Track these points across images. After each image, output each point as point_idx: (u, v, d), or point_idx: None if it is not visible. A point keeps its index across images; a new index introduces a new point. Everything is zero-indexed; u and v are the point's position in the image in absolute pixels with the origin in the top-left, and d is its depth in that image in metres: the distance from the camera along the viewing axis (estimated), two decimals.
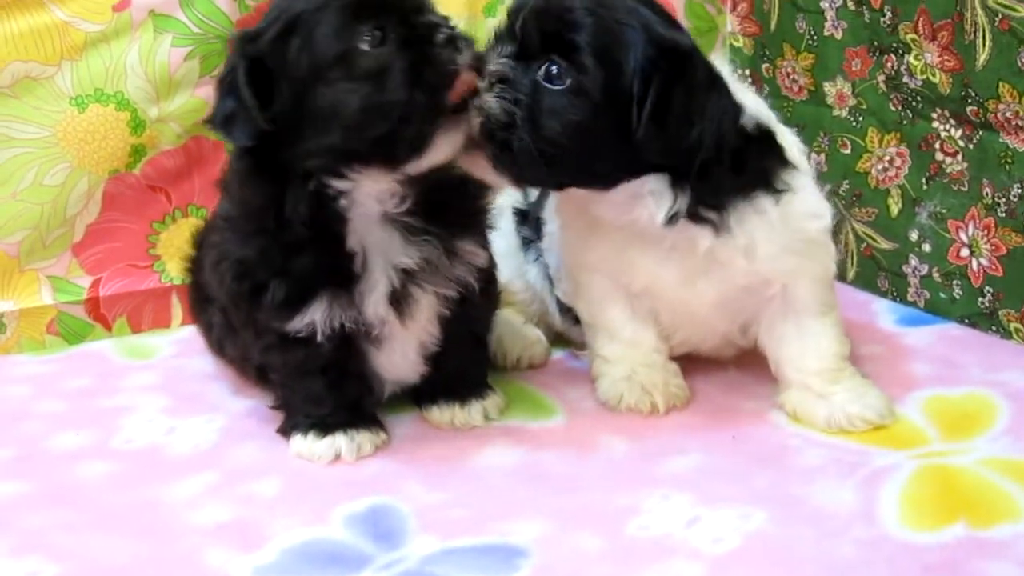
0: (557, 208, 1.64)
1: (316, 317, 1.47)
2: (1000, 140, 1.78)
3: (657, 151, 1.39)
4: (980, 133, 1.81)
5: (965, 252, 1.88)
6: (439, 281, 1.52)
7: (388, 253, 1.48)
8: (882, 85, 1.96)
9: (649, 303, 1.61)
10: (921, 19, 1.85)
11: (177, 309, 2.05)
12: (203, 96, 1.95)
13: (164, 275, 2.05)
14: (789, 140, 1.57)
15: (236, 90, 1.38)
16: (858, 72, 2.00)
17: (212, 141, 2.01)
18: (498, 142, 1.40)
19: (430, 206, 1.48)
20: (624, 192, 1.45)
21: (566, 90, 1.39)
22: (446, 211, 1.50)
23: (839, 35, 2.03)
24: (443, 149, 1.40)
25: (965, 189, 1.86)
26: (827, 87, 2.07)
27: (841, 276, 2.03)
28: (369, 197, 1.44)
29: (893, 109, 1.95)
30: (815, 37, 2.08)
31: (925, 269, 1.95)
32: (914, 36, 1.87)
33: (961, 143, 1.85)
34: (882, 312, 1.97)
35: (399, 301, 1.50)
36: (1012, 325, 1.82)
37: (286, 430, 1.59)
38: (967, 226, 1.86)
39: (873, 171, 2.02)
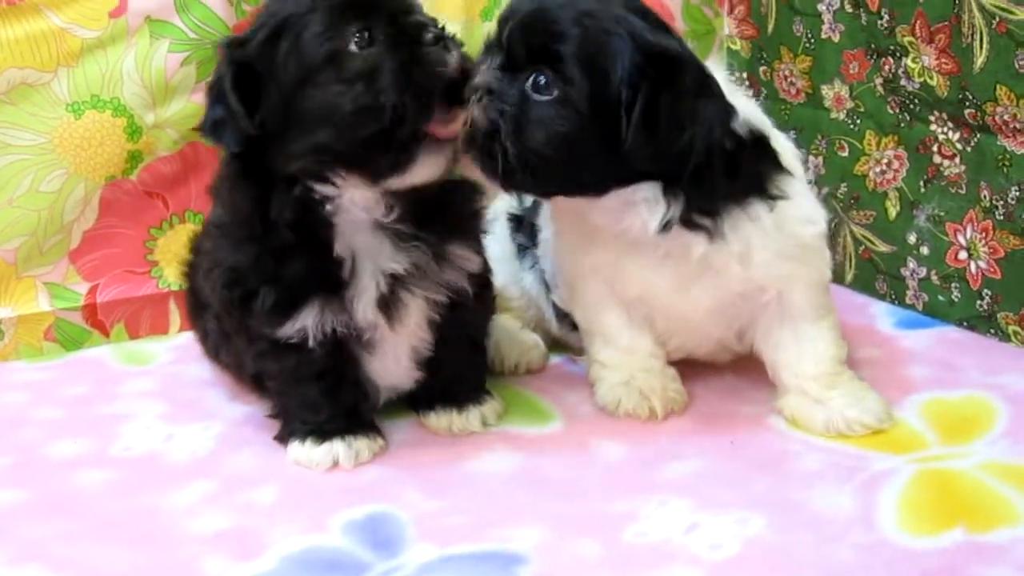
0: (552, 215, 1.64)
1: (307, 323, 1.47)
2: (998, 143, 1.78)
3: (647, 157, 1.39)
4: (978, 136, 1.81)
5: (963, 255, 1.88)
6: (429, 286, 1.52)
7: (377, 258, 1.48)
8: (880, 88, 1.96)
9: (645, 309, 1.61)
10: (918, 22, 1.85)
11: (175, 315, 2.05)
12: (200, 102, 1.91)
13: (161, 281, 2.05)
14: (783, 145, 1.57)
15: (223, 96, 1.38)
16: (856, 75, 2.00)
17: (208, 147, 1.99)
18: (484, 152, 1.39)
19: (421, 211, 1.48)
20: (617, 200, 1.44)
21: (553, 101, 1.39)
22: (437, 216, 1.50)
23: (836, 38, 2.02)
24: (426, 170, 1.41)
25: (963, 192, 1.85)
26: (825, 90, 2.07)
27: (839, 279, 2.04)
28: (355, 205, 1.44)
29: (891, 112, 1.95)
30: (812, 40, 2.08)
31: (923, 272, 1.95)
32: (911, 39, 1.87)
33: (959, 146, 1.85)
34: (880, 315, 1.97)
35: (388, 306, 1.50)
36: (1010, 328, 1.81)
37: (283, 437, 1.58)
38: (965, 229, 1.86)
39: (871, 174, 2.02)
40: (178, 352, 1.96)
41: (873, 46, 1.95)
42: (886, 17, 1.91)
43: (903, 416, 1.58)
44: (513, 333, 1.82)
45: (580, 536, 1.34)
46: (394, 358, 1.57)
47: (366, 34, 1.37)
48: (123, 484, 1.52)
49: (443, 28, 1.43)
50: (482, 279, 1.62)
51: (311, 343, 1.49)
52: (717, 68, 1.51)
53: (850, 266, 2.09)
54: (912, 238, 1.96)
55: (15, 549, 1.39)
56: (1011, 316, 1.81)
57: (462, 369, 1.64)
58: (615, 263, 1.54)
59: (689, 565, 1.28)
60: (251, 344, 1.54)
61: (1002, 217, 1.79)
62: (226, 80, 1.38)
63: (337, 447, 1.53)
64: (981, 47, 1.75)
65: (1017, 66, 1.70)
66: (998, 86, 1.74)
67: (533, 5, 1.42)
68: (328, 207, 1.44)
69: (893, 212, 1.99)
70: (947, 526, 1.32)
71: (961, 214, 1.86)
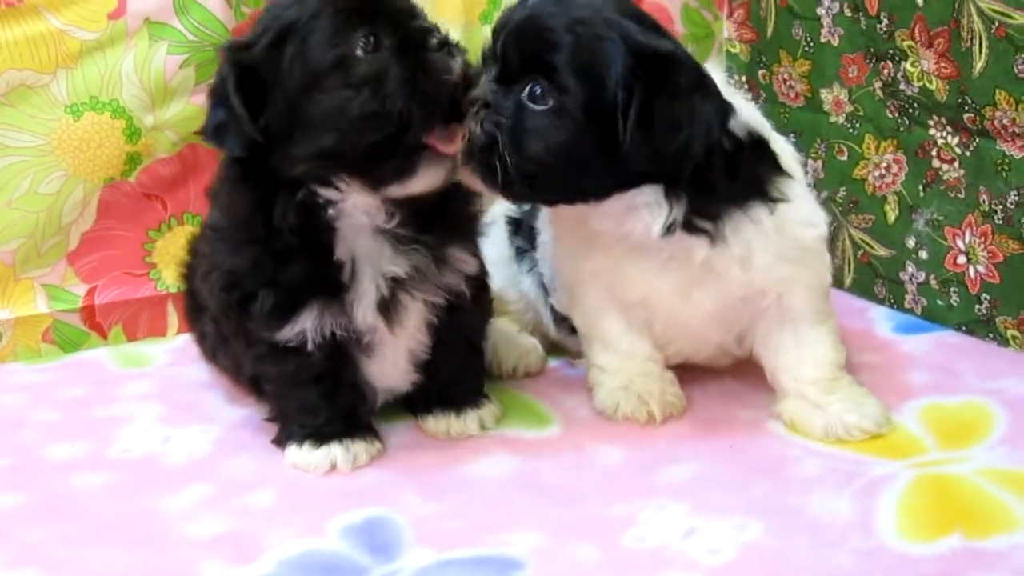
0: (551, 219, 1.64)
1: (306, 326, 1.47)
2: (997, 147, 1.78)
3: (645, 158, 1.39)
4: (977, 140, 1.81)
5: (962, 259, 1.87)
6: (428, 289, 1.52)
7: (377, 262, 1.48)
8: (879, 92, 1.96)
9: (644, 313, 1.61)
10: (917, 26, 1.85)
11: (173, 317, 2.05)
12: (199, 104, 1.95)
13: (160, 283, 2.05)
14: (783, 148, 1.57)
15: (227, 100, 1.38)
16: (855, 79, 2.00)
17: (207, 149, 1.99)
18: (483, 164, 1.40)
19: (420, 215, 1.48)
20: (618, 204, 1.44)
21: (549, 110, 1.39)
22: (436, 219, 1.50)
23: (835, 42, 2.03)
24: (426, 180, 1.41)
25: (962, 196, 1.85)
26: (824, 94, 2.07)
27: (838, 283, 2.03)
28: (357, 210, 1.44)
29: (890, 116, 1.95)
30: (811, 44, 2.08)
31: (922, 276, 1.95)
32: (911, 43, 1.87)
33: (958, 150, 1.85)
34: (879, 319, 1.97)
35: (388, 309, 1.50)
36: (1009, 332, 1.81)
37: (281, 440, 1.58)
38: (964, 233, 1.86)
39: (870, 178, 2.02)
40: (176, 354, 1.96)
41: (872, 50, 1.95)
42: (885, 21, 1.91)
43: (902, 421, 1.58)
44: (511, 336, 1.82)
45: (578, 541, 1.34)
46: (392, 361, 1.57)
47: (372, 39, 1.37)
48: (121, 487, 1.52)
49: (446, 34, 1.43)
50: (479, 282, 1.62)
51: (310, 346, 1.48)
52: (715, 70, 1.51)
53: (849, 270, 2.09)
54: (911, 242, 1.96)
55: (13, 552, 1.38)
56: (1010, 320, 1.81)
57: (460, 372, 1.64)
58: (615, 268, 1.54)
59: (687, 570, 1.28)
60: (249, 347, 1.54)
61: (1001, 221, 1.79)
62: (229, 84, 1.37)
63: (335, 450, 1.53)
64: (980, 51, 1.75)
65: (1016, 70, 1.70)
66: (997, 90, 1.74)
67: (525, 14, 1.42)
68: (331, 211, 1.43)
69: (892, 216, 1.99)
70: (945, 532, 1.32)
71: (960, 218, 1.86)
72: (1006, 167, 1.77)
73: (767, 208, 1.47)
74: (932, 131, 1.88)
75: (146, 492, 1.50)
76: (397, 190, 1.42)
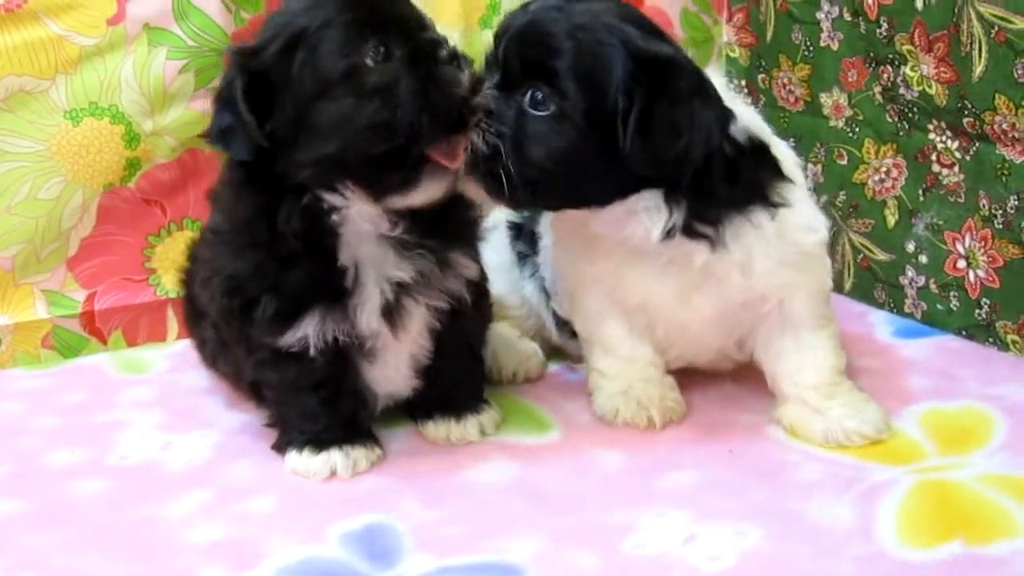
0: (552, 224, 1.64)
1: (309, 331, 1.47)
2: (997, 152, 1.77)
3: (645, 163, 1.39)
4: (977, 145, 1.81)
5: (962, 264, 1.87)
6: (432, 293, 1.52)
7: (381, 267, 1.48)
8: (878, 96, 1.96)
9: (645, 318, 1.61)
10: (917, 30, 1.85)
11: (173, 322, 2.05)
12: (198, 109, 1.95)
13: (159, 288, 2.04)
14: (784, 152, 1.57)
15: (233, 105, 1.38)
16: (854, 83, 2.00)
17: (207, 154, 2.00)
18: (487, 173, 1.40)
19: (424, 221, 1.48)
20: (618, 209, 1.44)
21: (550, 116, 1.39)
22: (439, 224, 1.49)
23: (835, 46, 2.02)
24: (428, 193, 1.42)
25: (962, 201, 1.85)
26: (823, 98, 2.07)
27: (838, 287, 2.03)
28: (361, 217, 1.44)
29: (889, 120, 1.95)
30: (811, 48, 2.08)
31: (922, 280, 1.95)
32: (910, 47, 1.87)
33: (958, 155, 1.85)
34: (879, 323, 1.97)
35: (392, 313, 1.50)
36: (1009, 337, 1.81)
37: (281, 446, 1.58)
38: (964, 238, 1.86)
39: (870, 182, 2.02)
40: (175, 360, 1.96)
41: (872, 54, 1.95)
42: (885, 26, 1.91)
43: (902, 426, 1.58)
44: (511, 342, 1.82)
45: (578, 547, 1.34)
46: (394, 366, 1.57)
47: (382, 49, 1.37)
48: (120, 493, 1.52)
49: (455, 46, 1.43)
50: (479, 287, 1.62)
51: (312, 352, 1.48)
52: (715, 75, 1.51)
53: (849, 274, 2.08)
54: (911, 246, 1.96)
55: (13, 558, 1.38)
56: (1010, 325, 1.81)
57: (460, 377, 1.64)
58: (616, 272, 1.54)
59: None
60: (250, 353, 1.54)
61: (1001, 226, 1.79)
62: (237, 89, 1.37)
63: (335, 456, 1.53)
64: (980, 56, 1.75)
65: (1016, 75, 1.70)
66: (997, 95, 1.74)
67: (526, 19, 1.42)
68: (335, 217, 1.43)
69: (892, 220, 1.99)
70: (946, 538, 1.32)
71: (960, 223, 1.86)
72: (1006, 172, 1.77)
73: (768, 213, 1.47)
74: (932, 135, 1.88)
75: (146, 498, 1.50)
76: (399, 201, 1.42)
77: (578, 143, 1.39)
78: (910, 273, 1.97)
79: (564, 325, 1.76)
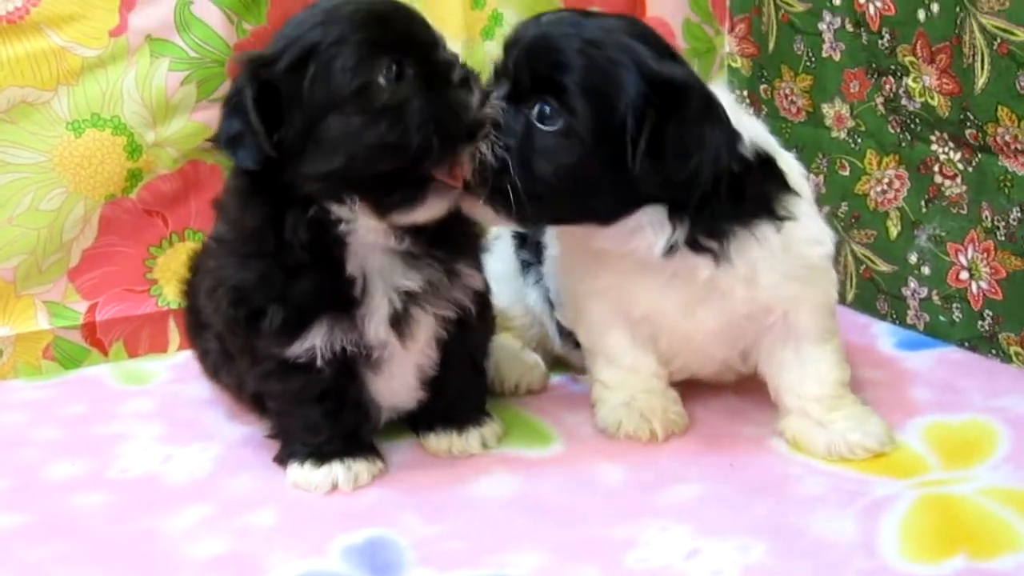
0: (558, 235, 1.64)
1: (316, 341, 1.46)
2: (999, 163, 1.77)
3: (655, 185, 1.39)
4: (979, 156, 1.81)
5: (964, 275, 1.87)
6: (440, 303, 1.52)
7: (390, 276, 1.47)
8: (880, 107, 1.96)
9: (649, 329, 1.61)
10: (919, 42, 1.85)
11: (174, 333, 2.05)
12: (200, 120, 1.95)
13: (161, 299, 2.04)
14: (790, 164, 1.57)
15: (243, 112, 1.37)
16: (856, 94, 2.00)
17: (209, 165, 2.01)
18: (492, 187, 1.39)
19: (430, 232, 1.47)
20: (622, 225, 1.44)
21: (557, 132, 1.39)
22: (445, 235, 1.49)
23: (837, 57, 2.02)
24: (432, 210, 1.42)
25: (964, 212, 1.85)
26: (825, 108, 2.07)
27: (840, 298, 2.01)
28: (370, 231, 1.44)
29: (892, 131, 1.95)
30: (813, 59, 2.07)
31: (924, 292, 1.94)
32: (912, 59, 1.87)
33: (960, 166, 1.84)
34: (881, 335, 1.97)
35: (400, 323, 1.49)
36: (1012, 349, 1.81)
37: (283, 459, 1.58)
38: (966, 249, 1.86)
39: (872, 193, 2.01)
40: (177, 371, 1.96)
41: (874, 65, 1.95)
42: (887, 37, 1.91)
43: (905, 439, 1.57)
44: (513, 353, 1.82)
45: (580, 562, 1.34)
46: (400, 377, 1.56)
47: (395, 68, 1.37)
48: (121, 507, 1.52)
49: (467, 66, 1.43)
50: (483, 298, 1.62)
51: (319, 362, 1.48)
52: (722, 90, 1.51)
53: (851, 285, 2.08)
54: (913, 258, 1.95)
55: (13, 572, 1.38)
56: (1012, 337, 1.81)
57: (463, 389, 1.63)
58: (621, 285, 1.54)
59: None
60: (256, 364, 1.54)
61: (1003, 238, 1.79)
62: (247, 97, 1.37)
63: (336, 470, 1.53)
64: (982, 68, 1.74)
65: (1018, 87, 1.70)
66: (999, 107, 1.73)
67: (537, 32, 1.42)
68: (342, 227, 1.43)
69: (894, 231, 1.99)
70: (949, 553, 1.31)
71: (962, 234, 1.86)
72: (1008, 183, 1.76)
73: (774, 226, 1.47)
74: (934, 147, 1.88)
75: (147, 512, 1.49)
76: (403, 218, 1.42)
77: (585, 159, 1.38)
78: (912, 284, 1.96)
79: (567, 335, 1.76)
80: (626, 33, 1.41)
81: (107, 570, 1.38)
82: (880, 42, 1.92)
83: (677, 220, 1.42)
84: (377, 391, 1.56)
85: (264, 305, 1.46)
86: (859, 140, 2.02)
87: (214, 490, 1.54)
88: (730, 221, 1.45)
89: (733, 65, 2.28)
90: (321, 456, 1.54)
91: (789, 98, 2.15)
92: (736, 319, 1.55)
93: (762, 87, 2.21)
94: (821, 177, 2.09)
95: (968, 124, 1.79)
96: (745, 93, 2.25)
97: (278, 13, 1.95)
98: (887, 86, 1.93)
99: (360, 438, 1.57)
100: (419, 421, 1.64)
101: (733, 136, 1.42)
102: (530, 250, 1.79)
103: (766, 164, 1.50)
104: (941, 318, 1.92)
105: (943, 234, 1.89)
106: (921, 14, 1.83)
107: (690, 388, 1.70)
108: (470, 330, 1.59)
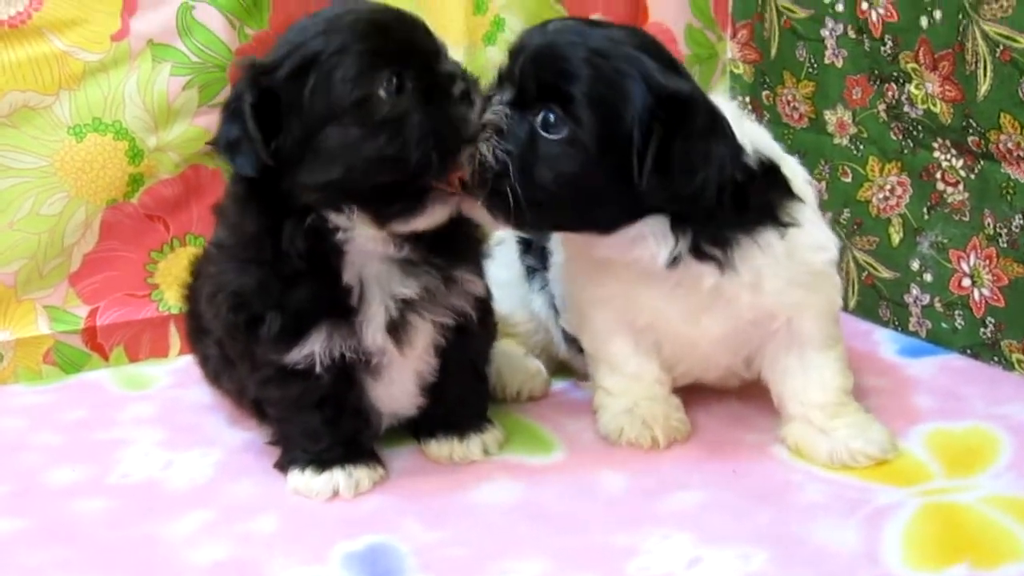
0: (562, 243, 1.64)
1: (315, 348, 1.46)
2: (1002, 171, 1.77)
3: (662, 198, 1.39)
4: (981, 163, 1.80)
5: (967, 282, 1.87)
6: (438, 310, 1.52)
7: (387, 284, 1.47)
8: (883, 114, 1.96)
9: (653, 336, 1.60)
10: (922, 49, 1.84)
11: (175, 338, 2.04)
12: (202, 125, 1.95)
13: (162, 304, 2.04)
14: (794, 170, 1.56)
15: (241, 118, 1.37)
16: (859, 100, 2.00)
17: (210, 170, 2.00)
18: (491, 190, 1.39)
19: (429, 239, 1.47)
20: (625, 234, 1.44)
21: (562, 140, 1.38)
22: (445, 242, 1.49)
23: (839, 63, 2.02)
24: (432, 218, 1.42)
25: (966, 219, 1.85)
26: (828, 115, 2.07)
27: (842, 305, 2.02)
28: (367, 239, 1.44)
29: (894, 138, 1.95)
30: (815, 65, 2.07)
31: (927, 299, 1.94)
32: (915, 65, 1.86)
33: (962, 173, 1.84)
34: (883, 342, 1.97)
35: (397, 330, 1.49)
36: (1014, 356, 1.81)
37: (283, 465, 1.57)
38: (969, 256, 1.86)
39: (874, 200, 2.01)
40: (177, 376, 1.96)
41: (876, 72, 1.95)
42: (889, 43, 1.91)
43: (907, 447, 1.57)
44: (515, 360, 1.81)
45: (581, 570, 1.33)
46: (399, 384, 1.56)
47: (395, 81, 1.36)
48: (122, 513, 1.51)
49: (468, 74, 1.42)
50: (484, 304, 1.62)
51: (318, 369, 1.47)
52: (724, 98, 1.51)
53: (853, 292, 2.08)
54: (915, 265, 1.95)
55: None
56: (1015, 344, 1.80)
57: (464, 396, 1.63)
58: (625, 293, 1.54)
59: None
60: (255, 370, 1.53)
61: (1006, 245, 1.79)
62: (246, 103, 1.36)
63: (337, 476, 1.52)
64: (985, 75, 1.74)
65: (1021, 94, 1.69)
66: (1002, 114, 1.73)
67: (544, 40, 1.41)
68: (339, 235, 1.43)
69: (896, 238, 1.98)
70: (952, 562, 1.31)
71: (965, 241, 1.86)
72: (1011, 190, 1.76)
73: (777, 233, 1.47)
74: (936, 154, 1.88)
75: (147, 518, 1.49)
76: (403, 227, 1.42)
77: (587, 168, 1.38)
78: (915, 291, 1.96)
79: (572, 341, 1.75)
80: (632, 44, 1.40)
81: (107, 575, 1.37)
82: (882, 49, 1.92)
83: (680, 231, 1.42)
84: (377, 397, 1.56)
85: (263, 311, 1.46)
86: (861, 147, 2.02)
87: (215, 496, 1.54)
88: (734, 229, 1.45)
89: (735, 71, 2.28)
90: (322, 463, 1.53)
91: (791, 104, 2.15)
92: (741, 325, 1.55)
93: (764, 93, 2.21)
94: (823, 184, 2.08)
95: (970, 131, 1.79)
96: (747, 99, 2.25)
97: (280, 18, 1.95)
98: (889, 93, 1.93)
99: (361, 444, 1.57)
100: (420, 427, 1.64)
101: (737, 150, 1.41)
102: (535, 256, 1.79)
103: (770, 171, 1.49)
104: (943, 325, 1.92)
105: (945, 241, 1.89)
106: (924, 21, 1.83)
107: (693, 395, 1.70)
108: (471, 336, 1.58)
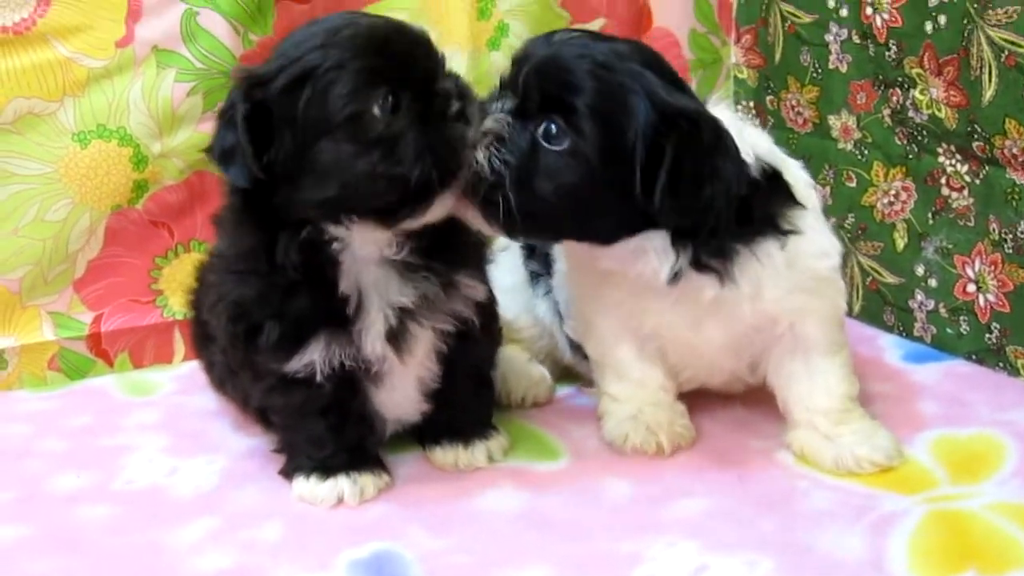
0: (565, 252, 1.64)
1: (315, 357, 1.46)
2: (1007, 176, 1.77)
3: (671, 217, 1.38)
4: (986, 169, 1.80)
5: (972, 288, 1.87)
6: (437, 316, 1.51)
7: (385, 292, 1.47)
8: (887, 119, 1.95)
9: (657, 343, 1.60)
10: (927, 54, 1.84)
11: (179, 344, 2.04)
12: (207, 131, 1.93)
13: (166, 310, 2.04)
14: (796, 175, 1.56)
15: (235, 128, 1.36)
16: (863, 105, 2.00)
17: (215, 176, 2.00)
18: (486, 199, 1.39)
19: (429, 242, 1.47)
20: (626, 247, 1.43)
21: (563, 152, 1.38)
22: (445, 245, 1.49)
23: (844, 68, 2.02)
24: (440, 210, 1.41)
25: (972, 224, 1.85)
26: (832, 120, 2.07)
27: (847, 310, 2.02)
28: (366, 243, 1.43)
29: (899, 143, 1.95)
30: (820, 70, 2.07)
31: (932, 304, 1.94)
32: (920, 71, 1.86)
33: (967, 178, 1.84)
34: (888, 347, 1.96)
35: (396, 338, 1.49)
36: (1020, 362, 1.80)
37: (288, 472, 1.57)
38: (974, 261, 1.85)
39: (879, 205, 2.01)
40: (182, 382, 1.96)
41: (881, 77, 1.95)
42: (894, 48, 1.90)
43: (913, 453, 1.57)
44: (520, 366, 1.81)
45: None
46: (402, 390, 1.56)
47: (391, 99, 1.35)
48: (126, 520, 1.51)
49: (464, 93, 1.41)
50: (488, 310, 1.61)
51: (319, 377, 1.47)
52: (724, 105, 1.51)
53: (858, 297, 2.08)
54: (920, 270, 1.95)
55: None
56: (1020, 350, 1.80)
57: (469, 402, 1.63)
58: (629, 302, 1.54)
59: None
60: (258, 379, 1.53)
61: (1011, 250, 1.78)
62: (238, 115, 1.36)
63: (342, 483, 1.52)
64: (990, 80, 1.74)
65: None
66: (1007, 119, 1.73)
67: (549, 51, 1.41)
68: (335, 246, 1.43)
69: (901, 244, 1.98)
70: (958, 569, 1.30)
71: (970, 247, 1.86)
72: (1016, 196, 1.76)
73: (778, 242, 1.46)
74: (941, 159, 1.88)
75: (152, 525, 1.49)
76: (410, 224, 1.41)
77: (588, 181, 1.38)
78: (919, 297, 1.96)
79: (577, 347, 1.75)
80: (637, 59, 1.40)
81: None
82: (887, 54, 1.92)
83: (680, 246, 1.42)
84: (380, 403, 1.56)
85: (262, 321, 1.46)
86: (866, 152, 2.01)
87: (220, 503, 1.54)
88: (734, 240, 1.44)
89: (739, 76, 2.28)
90: (327, 469, 1.53)
91: (795, 109, 2.15)
92: (744, 331, 1.55)
93: (768, 98, 2.21)
94: (828, 189, 2.08)
95: (975, 136, 1.79)
96: (751, 104, 2.25)
97: (284, 24, 1.95)
98: (894, 98, 1.93)
99: (366, 451, 1.57)
100: (425, 434, 1.64)
101: (742, 166, 1.41)
102: (539, 261, 1.79)
103: (773, 179, 1.49)
104: (948, 331, 1.91)
105: (950, 246, 1.89)
106: (928, 26, 1.83)
107: (697, 400, 1.70)
108: (473, 342, 1.58)
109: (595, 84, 1.37)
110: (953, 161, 1.86)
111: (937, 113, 1.85)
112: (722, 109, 1.48)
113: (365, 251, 1.44)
